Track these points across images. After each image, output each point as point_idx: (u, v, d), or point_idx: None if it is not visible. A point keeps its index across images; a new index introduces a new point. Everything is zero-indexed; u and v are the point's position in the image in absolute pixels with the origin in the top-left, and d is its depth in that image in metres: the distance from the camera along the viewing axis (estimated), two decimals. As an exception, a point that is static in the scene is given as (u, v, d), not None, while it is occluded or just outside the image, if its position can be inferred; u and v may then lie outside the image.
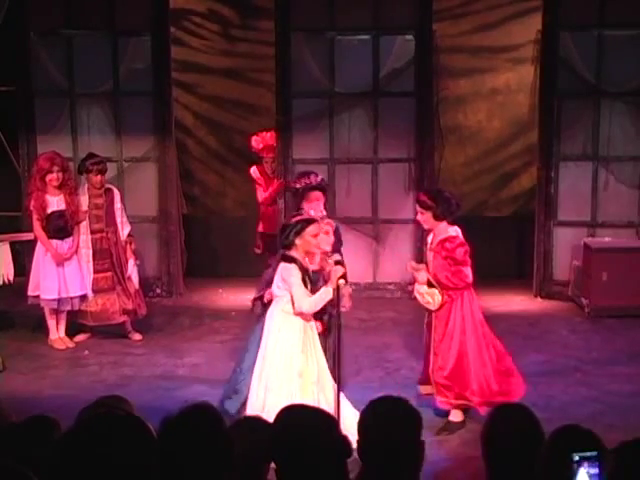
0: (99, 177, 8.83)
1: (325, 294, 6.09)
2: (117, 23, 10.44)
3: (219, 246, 11.76)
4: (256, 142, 10.57)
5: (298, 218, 6.31)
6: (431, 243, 6.77)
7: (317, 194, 7.05)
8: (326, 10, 10.31)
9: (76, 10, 10.40)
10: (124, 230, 9.01)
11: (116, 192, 9.10)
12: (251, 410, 6.00)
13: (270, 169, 10.54)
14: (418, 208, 6.76)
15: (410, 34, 10.31)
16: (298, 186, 7.14)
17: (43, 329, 8.93)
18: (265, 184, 10.55)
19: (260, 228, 10.60)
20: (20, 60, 10.44)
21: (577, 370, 8.07)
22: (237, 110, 11.86)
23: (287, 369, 6.12)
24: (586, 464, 2.88)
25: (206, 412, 3.04)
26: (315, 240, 6.22)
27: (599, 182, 10.38)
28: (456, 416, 6.58)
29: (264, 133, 10.60)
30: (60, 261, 8.63)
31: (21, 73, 10.49)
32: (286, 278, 6.13)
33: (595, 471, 2.89)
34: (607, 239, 10.15)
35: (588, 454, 2.90)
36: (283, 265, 6.18)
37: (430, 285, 6.61)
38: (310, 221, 6.27)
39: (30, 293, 8.80)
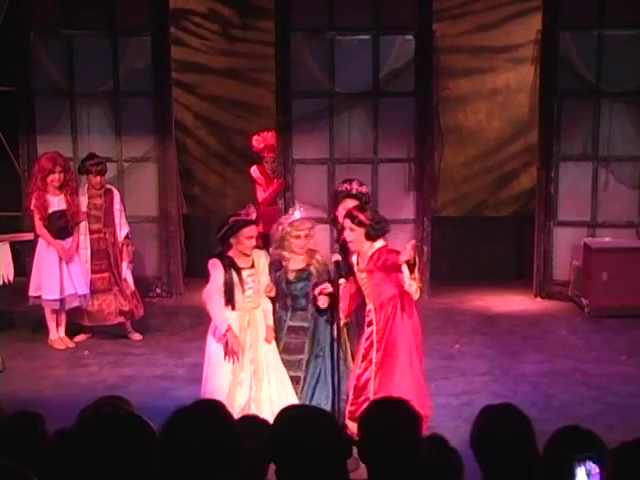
0: (98, 178, 8.83)
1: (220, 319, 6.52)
2: (117, 23, 10.43)
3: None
4: (257, 141, 10.57)
5: (235, 218, 6.36)
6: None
7: (353, 202, 6.75)
8: (326, 10, 10.30)
9: (76, 10, 10.39)
10: (122, 231, 9.00)
11: (116, 193, 9.09)
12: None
13: (270, 169, 10.53)
14: (348, 224, 6.19)
15: (410, 34, 10.30)
16: (338, 190, 7.06)
17: (43, 329, 8.92)
18: (265, 184, 10.54)
19: (260, 228, 10.58)
20: (20, 60, 10.44)
21: (577, 370, 8.07)
22: (237, 110, 11.85)
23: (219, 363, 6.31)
24: (586, 464, 2.88)
25: (216, 407, 3.04)
26: (249, 242, 6.31)
27: (599, 182, 10.38)
28: None
29: (265, 133, 10.61)
30: (68, 258, 8.63)
31: (21, 73, 10.49)
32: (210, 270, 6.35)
33: (595, 471, 2.89)
34: (607, 239, 10.14)
35: (588, 454, 2.90)
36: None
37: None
38: (248, 223, 6.33)
39: (31, 293, 8.80)
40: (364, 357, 6.21)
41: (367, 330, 6.21)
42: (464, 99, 11.73)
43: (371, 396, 5.97)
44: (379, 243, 6.18)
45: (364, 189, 6.98)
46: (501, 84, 11.71)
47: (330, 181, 10.54)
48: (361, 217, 6.13)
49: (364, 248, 6.16)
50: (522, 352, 8.58)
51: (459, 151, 11.81)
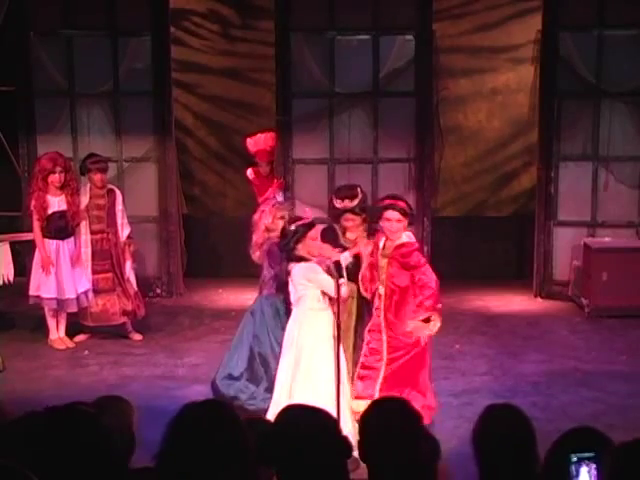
0: (98, 176, 8.83)
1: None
2: (117, 23, 10.43)
3: (219, 246, 11.74)
4: (250, 145, 10.55)
5: (299, 223, 6.31)
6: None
7: (355, 217, 6.76)
8: (326, 10, 10.31)
9: (76, 10, 10.39)
10: (124, 232, 9.01)
11: (118, 193, 9.09)
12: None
13: (265, 172, 10.52)
14: (395, 214, 6.30)
15: (410, 34, 10.30)
16: (335, 206, 6.89)
17: (43, 329, 8.92)
18: (260, 186, 10.53)
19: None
20: (20, 60, 10.44)
21: (577, 370, 8.07)
22: (237, 110, 11.85)
23: (329, 364, 6.15)
24: (588, 464, 2.88)
25: (223, 407, 3.04)
26: (314, 243, 6.26)
27: (599, 182, 10.38)
28: None
29: (259, 135, 10.57)
30: (47, 266, 8.60)
31: (21, 73, 10.49)
32: (311, 277, 6.15)
33: (597, 471, 2.89)
34: (607, 239, 10.15)
35: (590, 454, 2.90)
36: (302, 266, 6.19)
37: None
38: (310, 226, 6.30)
39: (31, 293, 8.79)
40: (370, 341, 6.33)
41: (374, 314, 6.34)
42: (464, 99, 11.73)
43: (380, 380, 6.19)
44: (406, 237, 6.32)
45: (356, 202, 6.77)
46: (501, 84, 11.71)
47: (330, 181, 10.55)
48: (407, 208, 6.32)
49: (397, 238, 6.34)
50: (522, 352, 8.58)
51: (459, 151, 11.81)
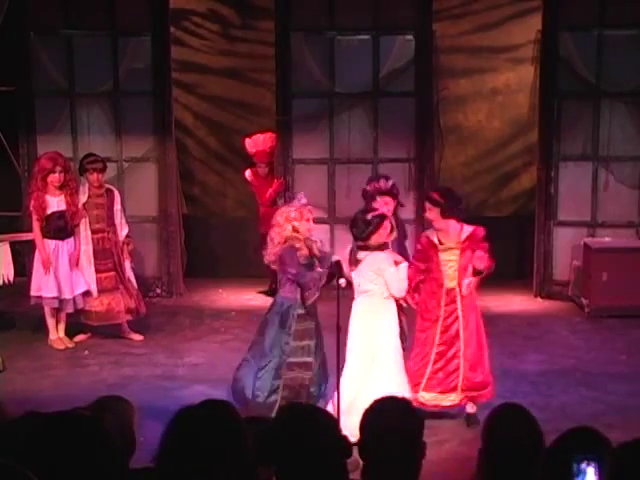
0: (95, 175, 8.83)
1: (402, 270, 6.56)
2: (117, 23, 10.44)
3: (219, 246, 11.75)
4: (249, 145, 10.57)
5: (374, 214, 6.53)
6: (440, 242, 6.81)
7: (386, 199, 7.16)
8: (326, 10, 10.31)
9: (76, 10, 10.39)
10: (122, 231, 9.01)
11: (116, 193, 9.10)
12: (354, 404, 6.09)
13: (264, 173, 10.53)
14: (427, 204, 6.81)
15: (410, 34, 10.31)
16: (368, 189, 7.30)
17: (43, 329, 8.92)
18: (258, 187, 10.54)
19: (262, 229, 10.59)
20: (20, 60, 10.44)
21: (577, 370, 8.07)
22: (237, 110, 11.85)
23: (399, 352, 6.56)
24: (591, 464, 2.87)
25: (224, 407, 3.04)
26: (385, 232, 6.52)
27: (599, 182, 10.38)
28: (473, 407, 6.85)
29: (257, 136, 10.59)
30: (47, 267, 8.61)
31: (21, 73, 10.49)
32: (384, 267, 6.43)
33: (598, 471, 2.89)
34: (607, 239, 10.14)
35: (591, 455, 2.89)
36: (377, 255, 6.45)
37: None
38: (384, 217, 6.55)
39: (33, 293, 8.79)
40: (444, 332, 6.73)
41: (447, 308, 6.72)
42: (464, 99, 11.73)
43: (461, 366, 6.71)
44: (470, 227, 6.81)
45: (390, 184, 7.27)
46: (501, 84, 11.71)
47: (330, 181, 10.55)
48: (436, 198, 6.70)
49: (448, 227, 6.75)
50: (522, 352, 8.58)
51: (459, 151, 11.81)
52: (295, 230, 6.57)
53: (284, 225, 6.58)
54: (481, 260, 6.63)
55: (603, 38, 10.12)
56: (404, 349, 6.69)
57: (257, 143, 10.53)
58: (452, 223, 6.74)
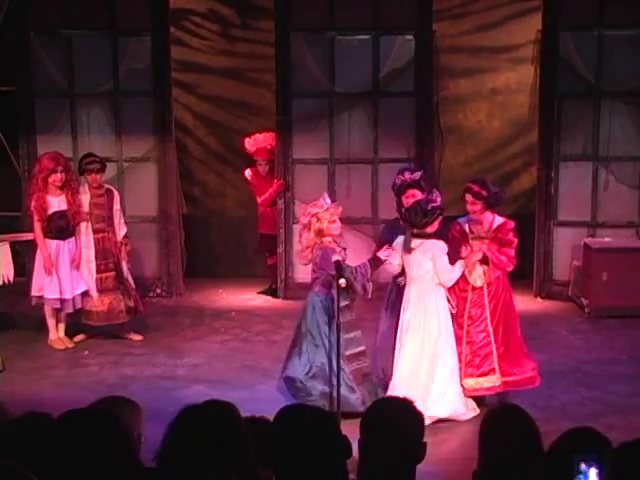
0: (93, 176, 8.82)
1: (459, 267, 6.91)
2: (117, 23, 10.43)
3: (219, 246, 11.75)
4: (249, 144, 10.55)
5: (435, 205, 6.77)
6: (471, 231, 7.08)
7: (412, 191, 7.23)
8: (326, 10, 10.31)
9: (76, 10, 10.39)
10: (120, 231, 9.01)
11: (116, 193, 9.10)
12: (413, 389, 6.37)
13: (264, 171, 10.52)
14: (468, 197, 6.95)
15: (410, 34, 10.30)
16: (396, 181, 7.42)
17: (43, 329, 8.92)
18: (259, 187, 10.53)
19: (261, 229, 10.60)
20: (20, 60, 10.44)
21: (577, 370, 8.07)
22: (237, 110, 11.84)
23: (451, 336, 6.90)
24: (596, 466, 2.87)
25: (225, 408, 3.04)
26: (437, 224, 6.80)
27: (599, 182, 10.37)
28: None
29: (257, 135, 10.58)
30: (49, 268, 8.61)
31: (21, 73, 10.49)
32: (438, 254, 6.78)
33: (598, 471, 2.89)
34: (607, 239, 10.14)
35: (597, 455, 2.89)
36: (433, 243, 6.78)
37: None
38: (442, 209, 6.85)
39: (34, 293, 8.79)
40: (474, 318, 7.00)
41: (474, 293, 7.00)
42: (464, 99, 11.72)
43: (494, 350, 6.94)
44: (502, 218, 7.04)
45: (418, 175, 7.34)
46: (501, 84, 11.71)
47: (330, 181, 10.55)
48: (481, 192, 6.91)
49: (483, 217, 7.00)
50: (522, 352, 8.57)
51: (459, 151, 11.81)
52: (321, 232, 6.75)
53: (312, 227, 6.80)
54: (498, 262, 6.95)
55: (603, 38, 10.11)
56: None
57: (257, 141, 10.53)
58: (487, 213, 7.00)
